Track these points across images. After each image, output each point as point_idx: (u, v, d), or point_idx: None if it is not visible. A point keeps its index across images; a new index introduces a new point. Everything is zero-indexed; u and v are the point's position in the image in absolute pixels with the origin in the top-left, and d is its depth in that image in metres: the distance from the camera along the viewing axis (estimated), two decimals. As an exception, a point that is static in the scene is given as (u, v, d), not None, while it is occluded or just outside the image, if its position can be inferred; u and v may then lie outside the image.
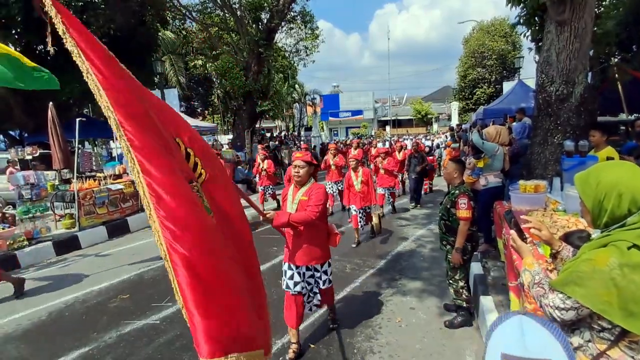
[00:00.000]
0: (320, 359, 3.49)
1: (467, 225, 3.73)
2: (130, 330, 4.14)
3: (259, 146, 9.84)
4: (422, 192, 10.60)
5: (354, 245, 6.73)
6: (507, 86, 17.93)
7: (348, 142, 22.84)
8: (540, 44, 6.12)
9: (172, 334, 4.01)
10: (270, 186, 9.59)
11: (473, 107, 32.07)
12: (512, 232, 1.84)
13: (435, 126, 47.13)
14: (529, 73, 35.41)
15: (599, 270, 1.35)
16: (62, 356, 3.71)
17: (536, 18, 6.44)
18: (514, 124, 8.33)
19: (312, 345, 3.69)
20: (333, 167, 8.84)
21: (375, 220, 7.18)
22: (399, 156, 10.79)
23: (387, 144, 19.37)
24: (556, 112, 5.04)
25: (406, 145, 13.33)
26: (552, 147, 5.10)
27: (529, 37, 6.94)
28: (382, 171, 8.31)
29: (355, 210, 6.63)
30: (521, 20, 6.63)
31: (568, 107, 5.02)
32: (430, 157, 11.67)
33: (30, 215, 7.25)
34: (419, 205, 9.85)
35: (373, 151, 12.80)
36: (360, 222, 6.68)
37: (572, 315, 1.42)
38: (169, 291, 5.01)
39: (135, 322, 4.31)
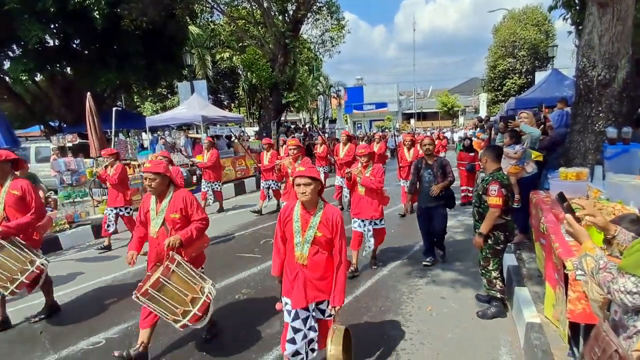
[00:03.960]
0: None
1: (496, 212, 3.62)
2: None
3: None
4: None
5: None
6: (540, 76, 17.23)
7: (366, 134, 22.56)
8: (580, 27, 5.86)
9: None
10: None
11: (502, 98, 31.14)
12: (568, 216, 1.72)
13: (461, 119, 46.09)
14: (562, 63, 34.10)
15: None
16: (102, 331, 3.89)
17: (576, 0, 6.17)
18: (553, 112, 8.03)
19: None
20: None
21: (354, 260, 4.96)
22: (376, 148, 10.38)
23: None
24: (598, 98, 4.83)
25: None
26: (592, 135, 4.89)
27: (569, 20, 6.65)
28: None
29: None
30: (559, 4, 6.36)
31: (610, 92, 4.80)
32: (472, 155, 9.17)
33: (71, 199, 7.62)
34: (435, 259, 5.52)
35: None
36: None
37: None
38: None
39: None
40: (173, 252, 3.10)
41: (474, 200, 3.98)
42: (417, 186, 5.24)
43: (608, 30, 4.69)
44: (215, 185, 8.93)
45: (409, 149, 8.39)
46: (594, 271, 1.49)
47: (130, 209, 6.58)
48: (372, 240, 5.00)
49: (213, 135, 13.16)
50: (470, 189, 8.72)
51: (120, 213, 6.55)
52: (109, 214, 6.54)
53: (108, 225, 6.51)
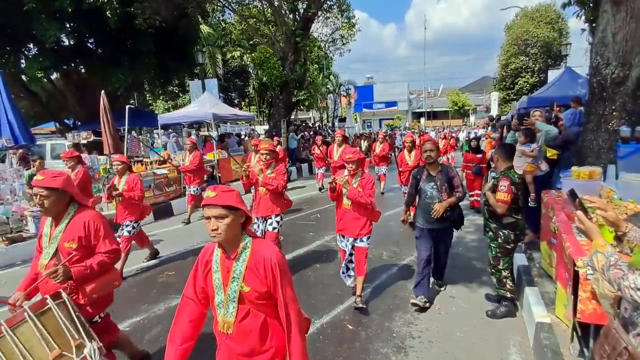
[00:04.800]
0: (359, 340, 3.54)
1: (501, 208, 3.58)
2: (176, 304, 4.30)
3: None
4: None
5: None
6: (553, 75, 16.98)
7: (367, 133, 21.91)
8: (593, 25, 5.78)
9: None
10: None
11: (514, 97, 30.76)
12: (579, 212, 1.70)
13: (472, 118, 45.65)
14: (576, 61, 33.47)
15: None
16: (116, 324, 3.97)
17: (590, -3, 6.09)
18: (566, 111, 7.92)
19: (350, 327, 3.74)
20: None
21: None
22: (378, 149, 9.99)
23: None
24: (611, 96, 4.77)
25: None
26: (605, 133, 4.83)
27: (582, 17, 6.56)
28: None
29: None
30: (572, 1, 6.28)
31: (624, 91, 4.74)
32: (479, 156, 8.42)
33: (85, 196, 7.76)
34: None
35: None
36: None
37: None
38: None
39: (172, 302, 4.53)
40: (63, 290, 2.34)
41: (483, 200, 3.96)
42: (415, 200, 4.21)
43: (622, 28, 4.63)
44: (192, 189, 7.95)
45: (409, 151, 7.32)
46: (604, 268, 1.48)
47: None
48: (351, 266, 4.12)
49: (223, 134, 13.29)
50: (478, 192, 8.02)
51: None
52: None
53: None
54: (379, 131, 17.22)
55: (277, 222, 4.79)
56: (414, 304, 4.02)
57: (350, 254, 4.09)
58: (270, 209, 4.73)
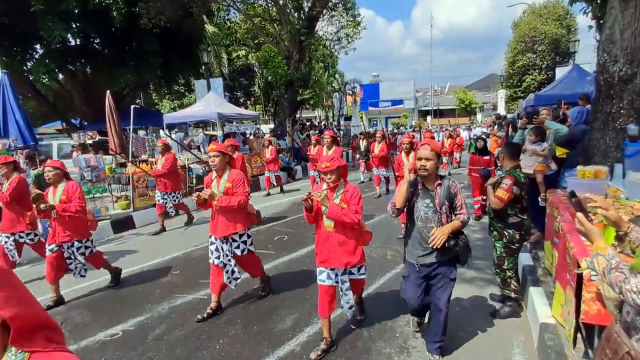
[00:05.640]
0: (362, 340, 3.53)
1: (498, 204, 3.54)
2: (180, 304, 4.40)
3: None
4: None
5: (400, 236, 5.95)
6: (560, 72, 16.80)
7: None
8: (601, 21, 5.70)
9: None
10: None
11: (522, 95, 30.49)
12: (579, 214, 1.67)
13: (479, 116, 45.32)
14: (584, 59, 33.05)
15: None
16: (120, 323, 4.01)
17: (597, -7, 6.01)
18: (572, 109, 7.83)
19: (354, 327, 3.73)
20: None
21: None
22: (377, 149, 9.33)
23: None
24: (619, 94, 4.70)
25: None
26: (613, 132, 4.77)
27: (589, 14, 6.47)
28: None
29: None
30: (580, -3, 6.20)
31: (632, 88, 4.66)
32: (487, 158, 7.67)
33: (91, 195, 7.85)
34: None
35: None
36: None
37: None
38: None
39: (185, 296, 4.57)
40: None
41: (488, 203, 3.93)
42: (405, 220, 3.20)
43: (630, 25, 4.55)
44: (174, 197, 7.42)
45: (407, 154, 6.60)
46: (605, 271, 1.45)
47: (36, 234, 5.10)
48: (349, 294, 3.32)
49: (228, 133, 13.32)
50: (485, 197, 6.80)
51: (21, 240, 4.97)
52: (5, 242, 4.92)
53: (12, 256, 4.98)
54: (375, 130, 16.50)
55: (244, 243, 4.06)
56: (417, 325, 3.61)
57: (339, 283, 3.27)
58: (230, 227, 3.94)
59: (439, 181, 2.96)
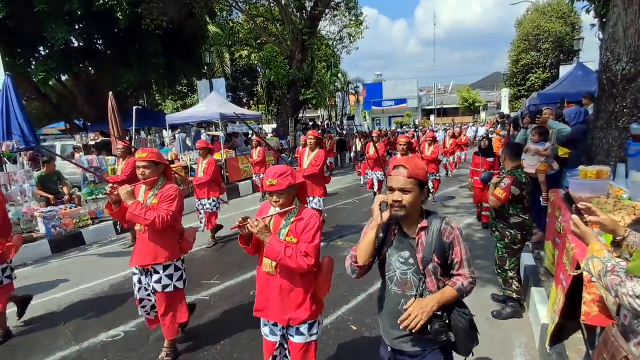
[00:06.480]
0: (363, 341, 3.53)
1: (495, 203, 3.55)
2: (182, 305, 4.39)
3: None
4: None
5: None
6: (565, 70, 16.66)
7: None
8: (604, 19, 5.65)
9: (220, 309, 4.23)
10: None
11: (526, 93, 30.33)
12: (574, 216, 1.64)
13: (483, 115, 45.12)
14: (589, 57, 32.93)
15: None
16: (122, 324, 4.03)
17: (601, -9, 5.95)
18: (569, 109, 7.78)
19: (354, 327, 3.73)
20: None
21: None
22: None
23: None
24: (622, 93, 4.65)
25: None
26: (616, 131, 4.71)
27: (592, 12, 6.41)
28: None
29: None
30: (583, -6, 6.14)
31: (635, 87, 4.60)
32: (490, 160, 7.08)
33: (94, 196, 7.89)
34: None
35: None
36: None
37: None
38: (217, 270, 5.28)
39: (187, 296, 4.56)
40: None
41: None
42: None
43: (634, 23, 4.50)
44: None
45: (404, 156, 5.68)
46: (601, 274, 1.43)
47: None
48: None
49: (230, 133, 13.32)
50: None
51: None
52: None
53: None
54: (371, 130, 15.55)
55: (169, 277, 3.17)
56: None
57: (282, 346, 2.41)
58: (150, 255, 3.12)
59: (424, 223, 1.84)
